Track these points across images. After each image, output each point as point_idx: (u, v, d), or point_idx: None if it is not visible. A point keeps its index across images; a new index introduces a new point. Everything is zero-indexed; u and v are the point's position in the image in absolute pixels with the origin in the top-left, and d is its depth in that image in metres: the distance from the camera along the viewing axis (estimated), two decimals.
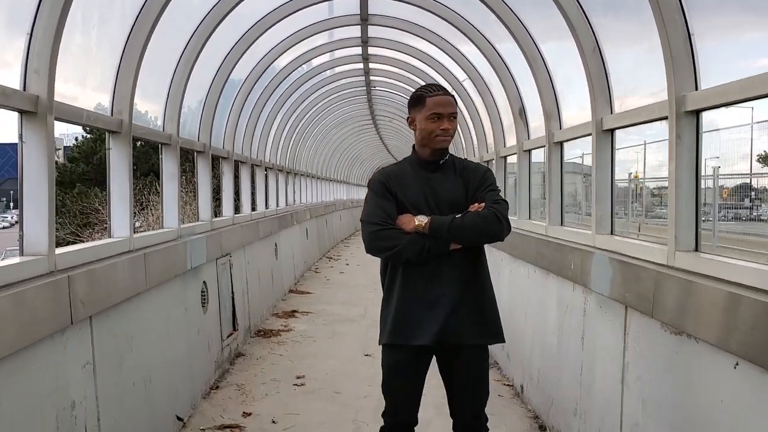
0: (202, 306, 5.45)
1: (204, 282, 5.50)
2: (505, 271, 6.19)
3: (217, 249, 5.89)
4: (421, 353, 2.90)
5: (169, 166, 4.93)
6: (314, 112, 11.64)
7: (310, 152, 14.37)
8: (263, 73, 7.07)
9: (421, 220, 2.82)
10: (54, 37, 2.83)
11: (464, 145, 9.09)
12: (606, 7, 4.10)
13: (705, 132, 3.02)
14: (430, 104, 2.87)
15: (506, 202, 2.95)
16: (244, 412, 4.90)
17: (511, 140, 6.31)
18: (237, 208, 7.77)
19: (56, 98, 2.95)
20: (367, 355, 6.50)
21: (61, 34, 2.89)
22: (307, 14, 6.59)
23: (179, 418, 4.57)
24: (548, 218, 5.00)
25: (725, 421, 2.51)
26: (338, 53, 9.37)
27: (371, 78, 10.84)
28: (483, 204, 2.84)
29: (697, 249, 2.95)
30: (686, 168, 2.96)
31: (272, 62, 7.08)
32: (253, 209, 8.61)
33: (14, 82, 2.79)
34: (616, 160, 4.04)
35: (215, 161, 6.64)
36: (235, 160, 7.29)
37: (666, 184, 3.75)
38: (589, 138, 4.12)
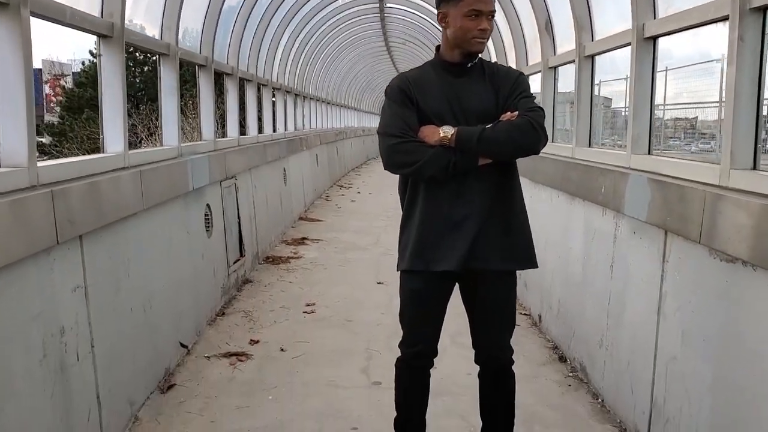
0: (207, 230, 5.19)
1: (208, 205, 5.23)
2: (525, 197, 5.86)
3: (222, 171, 5.58)
4: (444, 279, 2.60)
5: (168, 79, 4.57)
6: (325, 30, 11.12)
7: (319, 75, 13.87)
8: None
9: (447, 131, 2.48)
10: None
11: None
12: None
13: None
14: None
15: (542, 109, 2.59)
16: (251, 340, 4.70)
17: (535, 57, 5.88)
18: (243, 131, 7.42)
19: None
20: (379, 282, 6.28)
21: None
22: None
23: (183, 345, 4.37)
24: (575, 139, 4.64)
25: None
26: None
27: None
28: (516, 113, 2.50)
29: (755, 167, 2.61)
30: (748, 74, 2.60)
31: None
32: (260, 132, 8.25)
33: None
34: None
35: (218, 78, 6.25)
36: (239, 78, 6.90)
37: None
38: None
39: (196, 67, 5.58)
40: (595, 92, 4.98)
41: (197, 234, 4.87)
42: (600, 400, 3.81)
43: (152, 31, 4.46)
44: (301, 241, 8.50)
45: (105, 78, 3.63)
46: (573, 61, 4.73)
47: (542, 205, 5.30)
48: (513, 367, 2.78)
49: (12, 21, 2.51)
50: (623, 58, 4.11)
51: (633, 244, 3.47)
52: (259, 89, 8.26)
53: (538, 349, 4.68)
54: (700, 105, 14.13)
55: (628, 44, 3.73)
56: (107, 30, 3.47)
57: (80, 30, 3.20)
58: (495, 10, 2.54)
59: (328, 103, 16.46)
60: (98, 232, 3.09)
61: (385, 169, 2.60)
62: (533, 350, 4.63)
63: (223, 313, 5.32)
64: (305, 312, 5.41)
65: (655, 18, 3.47)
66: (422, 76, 2.64)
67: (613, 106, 11.17)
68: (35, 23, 2.70)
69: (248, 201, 6.78)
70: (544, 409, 3.69)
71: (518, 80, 2.62)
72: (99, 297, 3.09)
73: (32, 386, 2.49)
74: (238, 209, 6.27)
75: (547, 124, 5.69)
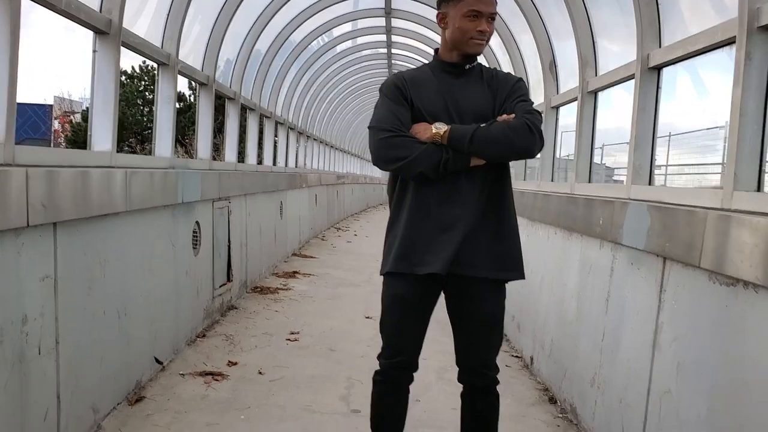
0: (194, 247, 5.06)
1: (197, 222, 5.11)
2: (521, 236, 5.75)
3: (215, 191, 5.48)
4: (429, 285, 2.47)
5: (165, 89, 4.51)
6: (332, 73, 11.19)
7: (324, 117, 13.92)
8: (275, 14, 6.63)
9: (440, 128, 2.38)
10: None
11: None
12: None
13: None
14: (472, 1, 2.43)
15: (540, 113, 2.50)
16: (229, 362, 4.52)
17: (538, 98, 5.85)
18: (241, 158, 7.36)
19: None
20: (368, 317, 6.11)
21: None
22: None
23: (158, 361, 4.19)
24: (576, 174, 4.55)
25: None
26: (360, 23, 9.05)
27: (393, 51, 10.47)
28: (513, 115, 2.41)
29: (759, 188, 2.51)
30: (754, 93, 2.52)
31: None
32: (259, 163, 8.19)
33: None
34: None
35: (219, 100, 6.21)
36: (242, 104, 6.86)
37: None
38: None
39: (198, 85, 5.54)
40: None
41: (183, 249, 4.74)
42: None
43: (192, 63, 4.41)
44: (292, 274, 8.34)
45: (98, 76, 3.56)
46: (576, 99, 4.68)
47: (539, 243, 5.18)
48: (498, 390, 2.63)
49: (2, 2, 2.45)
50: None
51: (630, 276, 3.34)
52: (261, 120, 8.23)
53: (527, 390, 4.49)
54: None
55: (632, 76, 3.68)
56: (105, 26, 3.42)
57: (75, 21, 3.14)
58: (496, 12, 2.48)
59: (332, 146, 16.50)
60: (75, 224, 2.97)
61: (374, 164, 2.49)
62: (522, 391, 4.45)
63: (204, 335, 5.15)
64: (288, 339, 5.23)
65: (660, 47, 3.42)
66: (419, 75, 2.56)
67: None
68: (37, 27, 2.64)
69: (241, 227, 6.66)
70: None
71: (517, 84, 2.54)
72: (70, 292, 2.95)
73: None
74: (229, 233, 6.15)
75: (547, 161, 5.68)
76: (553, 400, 4.26)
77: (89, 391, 3.18)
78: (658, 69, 3.51)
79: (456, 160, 2.38)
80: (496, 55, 6.96)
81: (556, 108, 5.51)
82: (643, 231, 3.12)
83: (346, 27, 9.14)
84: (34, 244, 2.65)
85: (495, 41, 6.68)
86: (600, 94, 4.49)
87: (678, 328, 2.80)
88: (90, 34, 3.45)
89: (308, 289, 7.52)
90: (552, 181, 5.58)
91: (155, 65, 4.51)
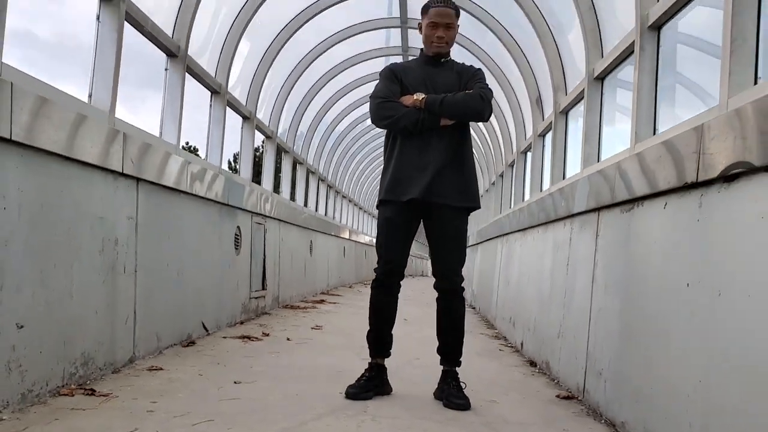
0: (236, 248, 6.04)
1: (238, 227, 6.11)
2: (517, 251, 6.63)
3: (255, 205, 6.51)
4: (411, 211, 3.40)
5: (216, 113, 5.62)
6: (360, 133, 12.36)
7: (354, 176, 15.06)
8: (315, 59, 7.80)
9: (419, 96, 3.37)
10: None
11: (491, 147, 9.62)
12: None
13: None
14: (431, 14, 3.47)
15: (491, 91, 3.48)
16: (263, 333, 5.40)
17: (529, 130, 6.85)
18: (276, 191, 8.42)
19: None
20: None
21: None
22: None
23: (204, 327, 5.10)
24: (551, 179, 5.48)
25: (657, 261, 2.93)
26: None
27: None
28: (472, 90, 3.39)
29: (655, 134, 3.42)
30: (648, 75, 3.47)
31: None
32: (292, 199, 9.25)
33: None
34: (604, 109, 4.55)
35: (260, 134, 7.33)
36: (277, 144, 7.98)
37: None
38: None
39: (243, 118, 6.67)
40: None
41: (226, 244, 5.73)
42: (556, 381, 4.39)
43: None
44: (320, 301, 9.24)
45: (168, 90, 4.66)
46: (551, 121, 5.67)
47: (528, 248, 6.05)
48: (463, 296, 3.50)
49: None
50: None
51: (579, 236, 4.21)
52: (294, 165, 9.35)
53: (513, 360, 5.26)
54: None
55: (582, 92, 4.65)
56: (175, 50, 4.55)
57: (154, 42, 4.26)
58: (452, 22, 3.46)
59: (361, 208, 17.58)
60: (151, 187, 3.99)
61: (372, 122, 3.49)
62: (509, 361, 5.22)
63: (242, 323, 6.05)
64: (312, 328, 6.11)
65: (602, 57, 4.42)
66: (407, 65, 3.59)
67: None
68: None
69: (275, 248, 7.64)
70: (510, 383, 4.29)
71: (477, 72, 3.54)
72: (145, 235, 3.93)
73: (92, 263, 3.29)
74: (264, 248, 7.13)
75: (536, 177, 6.59)
76: (533, 364, 5.03)
77: (154, 321, 4.11)
78: (602, 79, 4.48)
79: (430, 119, 3.36)
80: (500, 105, 8.05)
81: (542, 136, 6.49)
82: (584, 196, 4.02)
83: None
84: (125, 189, 3.66)
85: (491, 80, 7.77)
86: (569, 114, 5.47)
87: (604, 258, 3.65)
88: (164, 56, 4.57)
89: (333, 308, 8.40)
90: (541, 190, 6.50)
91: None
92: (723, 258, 2.19)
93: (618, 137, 4.24)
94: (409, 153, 3.40)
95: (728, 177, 2.18)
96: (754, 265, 1.96)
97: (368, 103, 3.54)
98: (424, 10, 3.51)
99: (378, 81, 3.54)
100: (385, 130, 3.54)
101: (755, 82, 2.46)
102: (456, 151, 3.43)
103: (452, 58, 3.60)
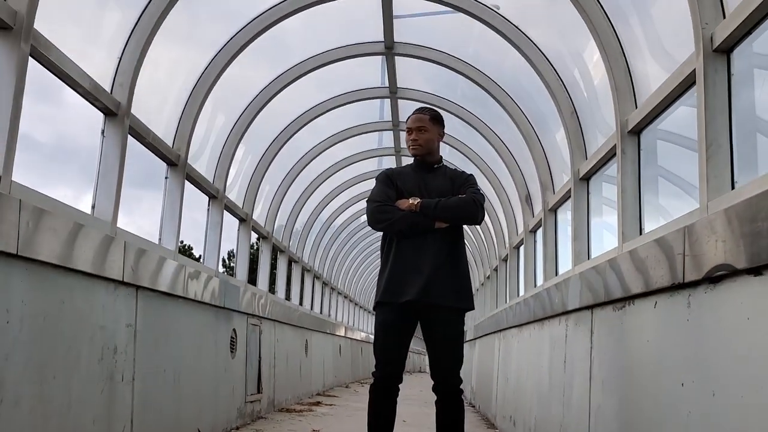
0: (231, 351, 6.02)
1: (234, 330, 6.11)
2: (514, 346, 6.63)
3: (250, 307, 6.52)
4: (407, 311, 3.45)
5: (214, 217, 5.75)
6: (354, 229, 12.53)
7: (348, 274, 15.12)
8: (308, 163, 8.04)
9: (414, 200, 3.50)
10: None
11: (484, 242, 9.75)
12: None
13: None
14: (408, 121, 3.67)
15: (483, 195, 3.62)
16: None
17: (520, 226, 6.99)
18: (272, 290, 8.45)
19: None
20: None
21: None
22: None
23: None
24: (544, 275, 5.56)
25: (651, 359, 2.97)
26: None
27: None
28: (464, 195, 3.53)
29: (641, 234, 3.53)
30: (631, 177, 3.62)
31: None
32: (287, 299, 9.26)
33: None
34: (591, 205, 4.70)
35: (256, 234, 7.45)
36: (273, 244, 8.09)
37: None
38: None
39: (239, 221, 6.80)
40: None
41: (222, 348, 5.71)
42: None
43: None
44: (316, 403, 9.09)
45: (168, 198, 4.79)
46: (541, 218, 5.81)
47: (525, 344, 6.06)
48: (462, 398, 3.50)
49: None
50: None
51: (575, 334, 4.25)
52: (289, 264, 9.42)
53: None
54: None
55: (569, 192, 4.81)
56: (175, 159, 4.71)
57: (155, 153, 4.41)
58: (424, 126, 3.62)
59: (356, 304, 17.53)
60: (149, 293, 4.04)
61: (368, 224, 3.60)
62: None
63: (237, 428, 5.95)
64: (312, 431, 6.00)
65: (586, 159, 4.59)
66: (403, 170, 3.75)
67: None
68: None
69: (270, 349, 7.59)
70: None
71: (469, 178, 3.68)
72: (143, 342, 3.94)
73: (90, 373, 3.30)
74: (260, 350, 7.08)
75: (530, 273, 6.67)
76: None
77: (151, 429, 4.05)
78: (587, 179, 4.64)
79: (424, 222, 3.47)
80: (493, 204, 8.24)
81: (533, 231, 6.62)
82: (577, 293, 4.09)
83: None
84: (125, 297, 3.71)
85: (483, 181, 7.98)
86: (558, 212, 5.62)
87: (601, 356, 3.68)
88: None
89: (330, 410, 8.26)
90: (535, 286, 6.56)
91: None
92: (715, 359, 2.23)
93: (609, 228, 4.37)
94: (405, 255, 3.49)
95: (713, 278, 2.26)
96: (746, 367, 2.01)
97: (363, 201, 3.67)
98: (406, 121, 3.71)
99: (375, 185, 3.68)
100: (382, 233, 3.65)
101: (732, 186, 2.58)
102: (450, 253, 3.53)
103: (445, 164, 3.76)
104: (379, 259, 3.71)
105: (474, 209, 3.49)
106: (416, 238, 3.49)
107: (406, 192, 3.58)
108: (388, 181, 3.63)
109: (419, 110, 3.69)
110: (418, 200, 3.49)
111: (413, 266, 3.46)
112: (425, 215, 3.47)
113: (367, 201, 3.64)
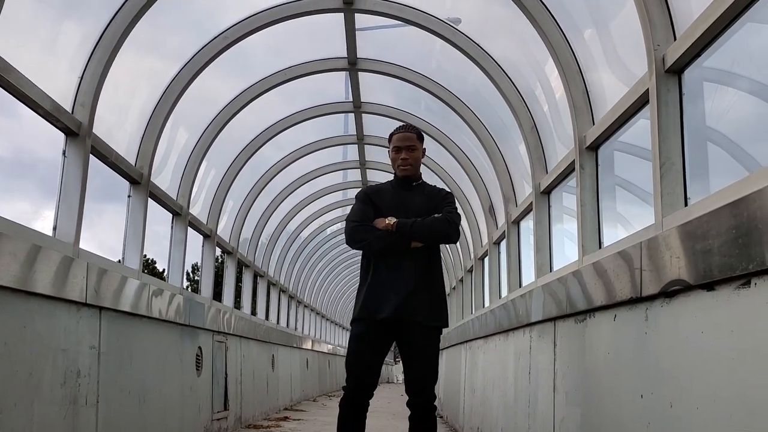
0: (197, 369, 5.96)
1: (200, 347, 6.05)
2: (480, 357, 6.69)
3: (215, 324, 6.47)
4: (383, 330, 3.49)
5: (178, 234, 5.70)
6: (320, 242, 12.51)
7: (315, 285, 15.08)
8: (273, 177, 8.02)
9: (391, 220, 3.53)
10: None
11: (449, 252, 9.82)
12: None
13: None
14: (394, 139, 3.68)
15: (459, 215, 3.67)
16: None
17: (484, 238, 7.07)
18: (237, 306, 8.39)
19: None
20: None
21: None
22: None
23: None
24: (508, 287, 5.63)
25: (611, 371, 3.04)
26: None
27: None
28: (441, 215, 3.57)
29: (600, 248, 3.61)
30: (589, 192, 3.70)
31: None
32: (253, 314, 9.21)
33: None
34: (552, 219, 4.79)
35: (220, 249, 7.40)
36: (238, 259, 8.05)
37: None
38: None
39: (203, 237, 6.75)
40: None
41: (188, 366, 5.65)
42: None
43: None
44: (284, 418, 9.03)
45: (131, 217, 4.74)
46: (504, 230, 5.90)
47: (490, 355, 6.12)
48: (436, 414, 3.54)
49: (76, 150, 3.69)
50: None
51: (539, 346, 4.31)
52: (255, 278, 9.37)
53: None
54: None
55: (531, 205, 4.90)
56: (138, 177, 4.67)
57: (117, 171, 4.38)
58: (413, 145, 3.67)
59: (323, 316, 17.48)
60: (113, 314, 3.99)
61: (346, 243, 3.63)
62: None
63: None
64: None
65: (546, 173, 4.68)
66: (381, 188, 3.78)
67: None
68: None
69: (236, 366, 7.53)
70: None
71: (447, 197, 3.72)
72: (107, 364, 3.89)
73: (53, 398, 3.25)
74: (226, 367, 7.02)
75: (494, 283, 6.74)
76: None
77: None
78: (548, 193, 4.74)
79: (401, 242, 3.51)
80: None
81: (497, 243, 6.71)
82: (540, 306, 4.16)
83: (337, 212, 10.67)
84: (87, 319, 3.66)
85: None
86: (521, 223, 5.70)
87: (563, 368, 3.74)
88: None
89: (297, 425, 8.22)
90: (500, 297, 6.64)
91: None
92: (671, 370, 2.30)
93: (570, 237, 4.44)
94: (382, 273, 3.53)
95: (669, 293, 2.33)
96: (700, 379, 2.08)
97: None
98: (390, 138, 3.71)
99: (354, 203, 3.71)
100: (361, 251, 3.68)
101: (686, 203, 2.67)
102: (426, 271, 3.57)
103: (424, 181, 3.79)
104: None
105: (448, 229, 3.53)
106: (393, 257, 3.52)
107: (384, 210, 3.61)
108: (366, 199, 3.66)
109: (404, 128, 3.70)
110: (395, 220, 3.52)
111: (390, 284, 3.49)
112: (402, 235, 3.50)
113: (345, 220, 3.67)
